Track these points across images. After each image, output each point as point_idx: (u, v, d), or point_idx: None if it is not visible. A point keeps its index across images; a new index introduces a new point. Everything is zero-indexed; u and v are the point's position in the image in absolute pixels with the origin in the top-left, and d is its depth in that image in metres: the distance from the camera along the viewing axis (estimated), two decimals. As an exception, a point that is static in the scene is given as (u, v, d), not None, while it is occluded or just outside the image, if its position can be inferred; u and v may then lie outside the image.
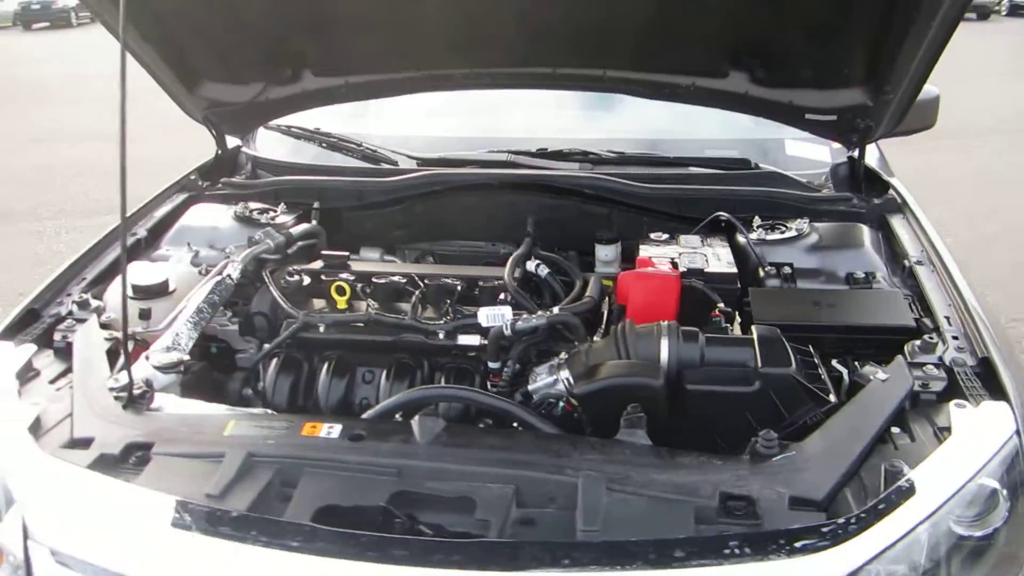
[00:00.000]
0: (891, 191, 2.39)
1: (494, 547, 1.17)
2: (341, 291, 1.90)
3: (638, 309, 1.86)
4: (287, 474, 1.32)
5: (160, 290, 1.93)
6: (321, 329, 1.84)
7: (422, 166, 2.52)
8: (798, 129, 2.46)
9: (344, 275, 1.99)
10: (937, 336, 1.70)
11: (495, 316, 1.80)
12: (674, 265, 1.99)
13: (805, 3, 1.96)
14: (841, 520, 1.19)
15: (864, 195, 2.39)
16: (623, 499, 1.27)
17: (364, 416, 1.55)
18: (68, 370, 1.69)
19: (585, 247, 2.29)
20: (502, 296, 1.92)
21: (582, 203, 2.35)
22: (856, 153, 2.43)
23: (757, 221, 2.21)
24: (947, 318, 1.78)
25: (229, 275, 1.94)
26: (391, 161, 2.58)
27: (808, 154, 2.63)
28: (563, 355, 1.74)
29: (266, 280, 1.97)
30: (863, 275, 1.99)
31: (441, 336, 1.81)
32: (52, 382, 1.66)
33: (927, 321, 1.79)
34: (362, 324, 1.85)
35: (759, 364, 1.59)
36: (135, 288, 1.91)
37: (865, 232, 2.18)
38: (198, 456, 1.37)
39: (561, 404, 1.68)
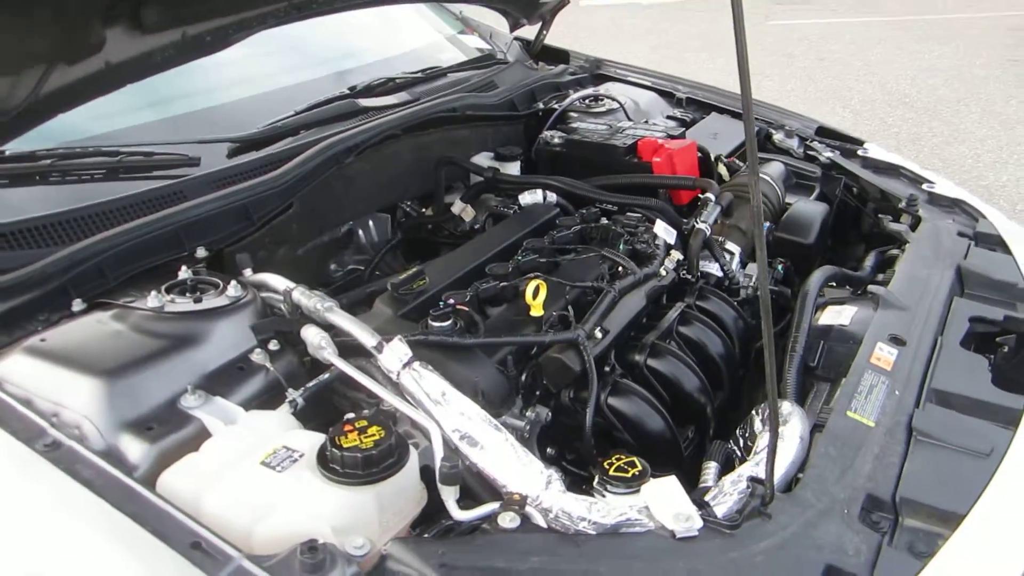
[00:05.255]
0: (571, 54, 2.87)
1: None
2: (536, 292, 1.55)
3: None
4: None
5: (401, 450, 1.13)
6: (599, 336, 1.54)
7: (244, 149, 1.88)
8: (520, 16, 2.65)
9: (483, 283, 1.63)
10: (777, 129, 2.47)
11: (667, 230, 1.92)
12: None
13: None
14: None
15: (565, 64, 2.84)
16: None
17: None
18: None
19: (456, 178, 2.25)
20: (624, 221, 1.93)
21: (447, 131, 2.24)
22: (536, 31, 2.79)
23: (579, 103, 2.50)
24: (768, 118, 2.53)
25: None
26: (190, 161, 1.78)
27: (476, 44, 2.84)
28: (718, 237, 2.00)
29: (450, 341, 1.42)
30: (683, 114, 2.56)
31: (664, 272, 1.80)
32: None
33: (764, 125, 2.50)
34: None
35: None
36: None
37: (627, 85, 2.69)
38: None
39: (780, 267, 2.04)
